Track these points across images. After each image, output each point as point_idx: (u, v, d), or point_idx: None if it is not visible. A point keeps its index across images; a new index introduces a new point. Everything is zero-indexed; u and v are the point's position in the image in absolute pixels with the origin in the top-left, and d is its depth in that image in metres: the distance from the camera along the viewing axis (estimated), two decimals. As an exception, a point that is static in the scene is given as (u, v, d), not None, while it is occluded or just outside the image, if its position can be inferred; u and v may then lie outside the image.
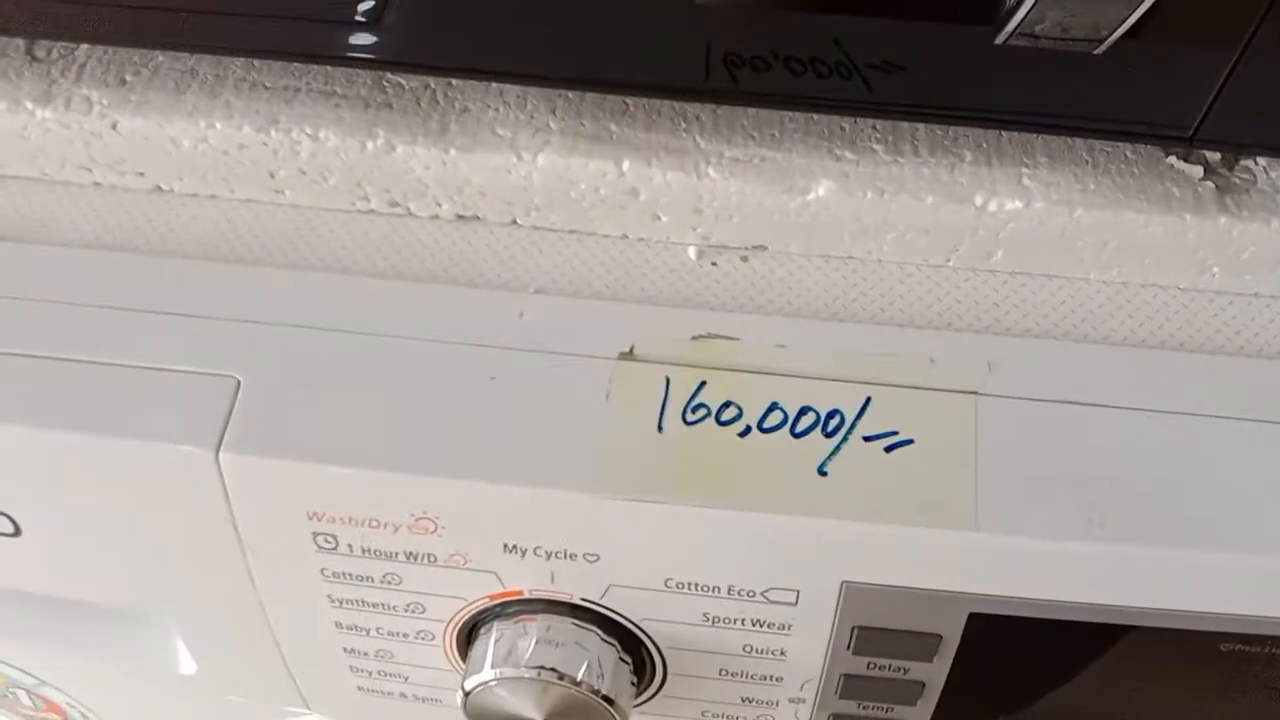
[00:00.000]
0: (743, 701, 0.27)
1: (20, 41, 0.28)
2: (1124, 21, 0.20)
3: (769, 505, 0.23)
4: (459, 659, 0.27)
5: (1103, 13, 0.20)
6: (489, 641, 0.25)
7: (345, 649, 0.28)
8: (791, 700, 0.27)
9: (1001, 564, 0.23)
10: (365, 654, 0.28)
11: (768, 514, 0.23)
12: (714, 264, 0.27)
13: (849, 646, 0.25)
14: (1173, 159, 0.26)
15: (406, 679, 0.28)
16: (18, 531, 0.26)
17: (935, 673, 0.25)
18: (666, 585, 0.24)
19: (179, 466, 0.24)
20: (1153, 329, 0.26)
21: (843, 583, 0.23)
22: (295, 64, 0.27)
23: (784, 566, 0.23)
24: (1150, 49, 0.22)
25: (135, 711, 0.37)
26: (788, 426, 0.24)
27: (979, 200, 0.25)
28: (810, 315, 0.26)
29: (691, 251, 0.27)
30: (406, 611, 0.26)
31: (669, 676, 0.26)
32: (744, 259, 0.27)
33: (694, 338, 0.25)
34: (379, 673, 0.28)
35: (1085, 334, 0.26)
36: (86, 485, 0.25)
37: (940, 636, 0.24)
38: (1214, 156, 0.26)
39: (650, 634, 0.25)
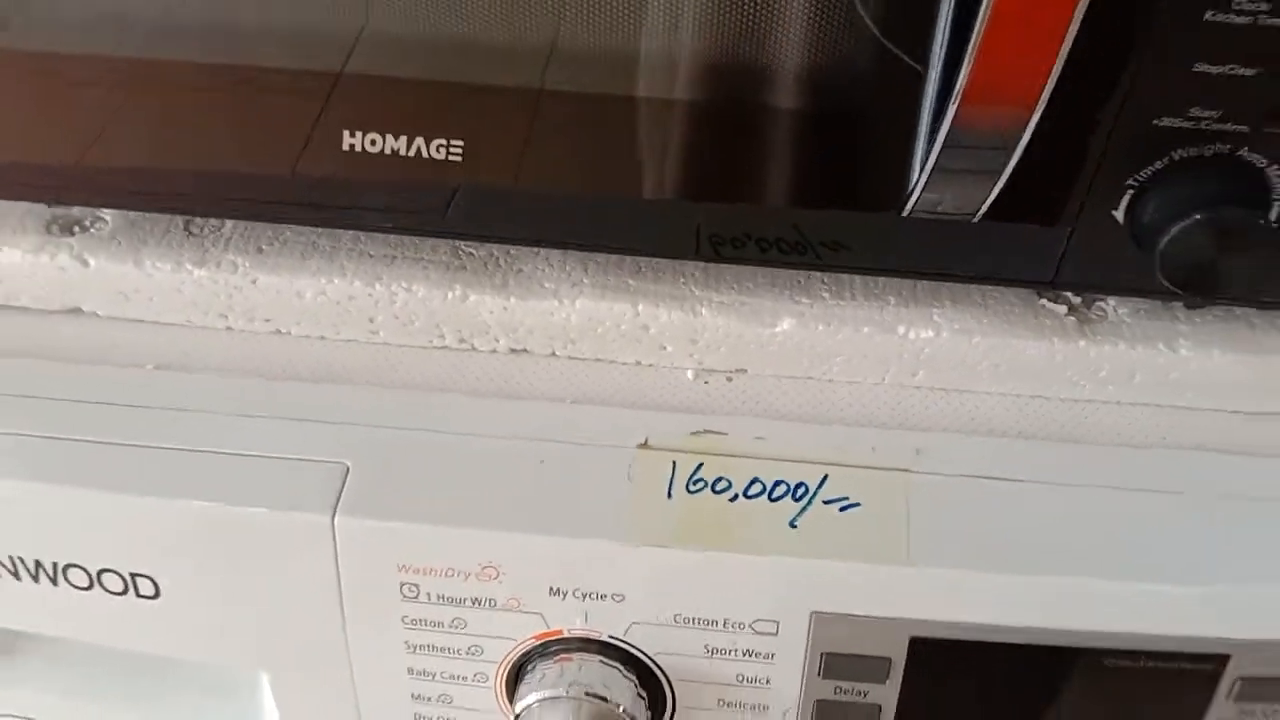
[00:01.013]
0: (736, 734, 0.33)
1: (180, 219, 0.37)
2: (985, 201, 0.30)
3: (752, 549, 0.30)
4: (506, 701, 0.33)
5: (971, 195, 0.30)
6: (534, 677, 0.32)
7: (413, 695, 0.34)
8: (777, 728, 0.33)
9: (931, 593, 0.30)
10: (429, 699, 0.34)
11: (751, 555, 0.30)
12: (706, 382, 0.35)
13: (819, 672, 0.31)
14: (1044, 300, 0.35)
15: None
16: (157, 594, 0.33)
17: (888, 695, 0.32)
18: (675, 620, 0.31)
19: (301, 531, 0.31)
20: (1039, 426, 0.34)
21: (812, 613, 0.30)
22: (392, 236, 0.36)
23: (766, 600, 0.30)
24: (1011, 221, 0.31)
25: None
26: (766, 494, 0.31)
27: (901, 331, 0.34)
28: (781, 418, 0.34)
29: (689, 373, 0.35)
30: (467, 654, 0.32)
31: (678, 709, 0.33)
32: (729, 379, 0.35)
33: (693, 433, 0.33)
34: (438, 718, 0.34)
35: (989, 430, 0.34)
36: (220, 552, 0.32)
37: (889, 659, 0.31)
38: (1075, 298, 0.35)
39: (664, 667, 0.32)
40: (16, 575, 0.33)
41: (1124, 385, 0.34)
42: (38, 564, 0.33)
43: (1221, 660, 0.30)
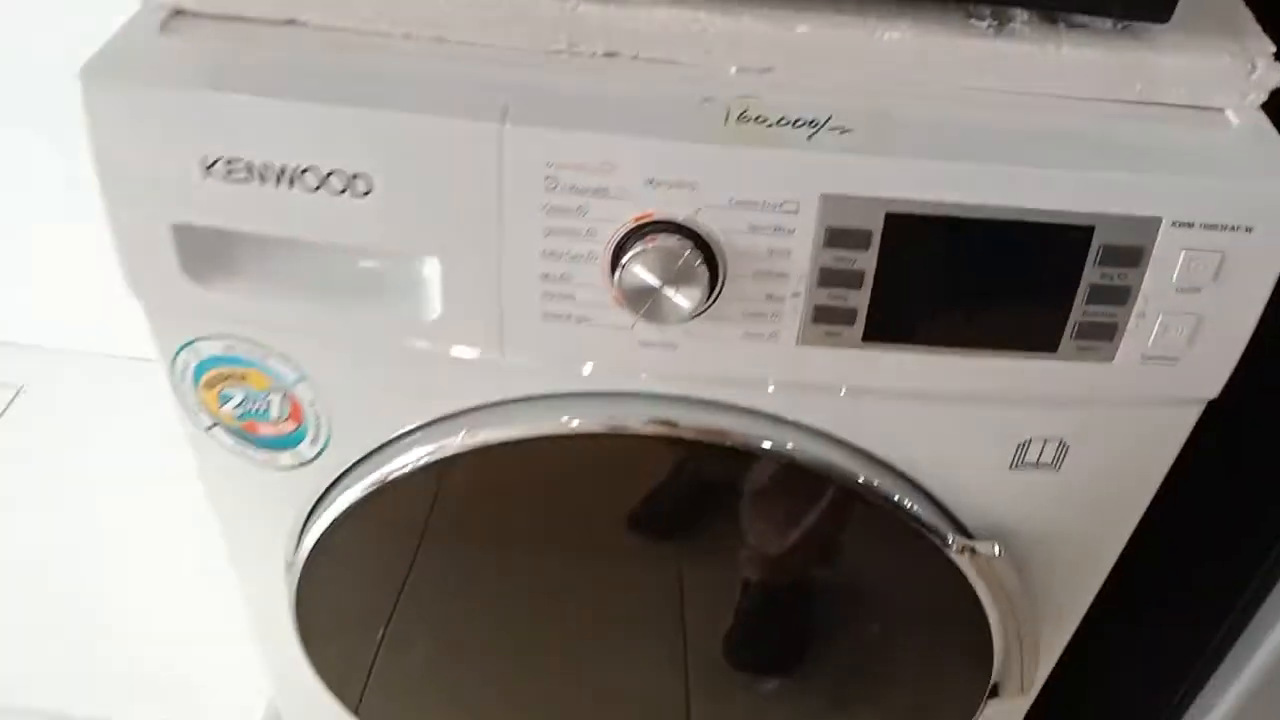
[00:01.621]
0: (766, 299, 0.48)
1: None
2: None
3: (783, 147, 0.45)
4: (609, 273, 0.48)
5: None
6: (631, 250, 0.47)
7: (542, 275, 0.48)
8: (792, 295, 0.48)
9: (901, 180, 0.45)
10: (553, 278, 0.48)
11: (783, 150, 0.45)
12: (745, 73, 0.50)
13: (824, 243, 0.46)
14: (971, 19, 0.50)
15: (574, 298, 0.49)
16: (369, 192, 0.47)
17: (869, 261, 0.47)
18: (730, 203, 0.46)
19: (480, 136, 0.45)
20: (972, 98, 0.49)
21: (821, 195, 0.46)
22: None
23: (791, 186, 0.45)
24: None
25: (362, 400, 0.56)
26: (790, 123, 0.46)
27: (878, 33, 0.49)
28: (799, 93, 0.49)
29: (733, 69, 0.50)
30: (585, 235, 0.47)
31: (727, 278, 0.48)
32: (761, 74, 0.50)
33: (739, 95, 0.48)
34: (559, 295, 0.49)
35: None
36: (419, 155, 0.46)
37: (870, 231, 0.46)
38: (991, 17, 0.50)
39: (720, 243, 0.47)
40: (264, 180, 0.47)
41: (1023, 75, 0.49)
42: (283, 168, 0.47)
43: (1089, 230, 0.46)
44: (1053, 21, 0.49)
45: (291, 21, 0.50)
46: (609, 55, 0.50)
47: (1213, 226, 0.46)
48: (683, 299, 0.47)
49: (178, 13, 0.50)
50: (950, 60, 0.49)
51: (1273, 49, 0.48)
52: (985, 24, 0.49)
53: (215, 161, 0.47)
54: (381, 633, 0.68)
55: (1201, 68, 0.48)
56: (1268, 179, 0.46)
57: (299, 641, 0.67)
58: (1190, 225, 0.46)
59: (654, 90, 0.48)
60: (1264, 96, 0.49)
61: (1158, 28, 0.48)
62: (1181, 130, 0.48)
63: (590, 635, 0.68)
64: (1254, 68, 0.48)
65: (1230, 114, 0.49)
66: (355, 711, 0.72)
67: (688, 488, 0.59)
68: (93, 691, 0.96)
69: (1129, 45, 0.49)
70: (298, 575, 0.63)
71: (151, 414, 1.26)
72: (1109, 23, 0.49)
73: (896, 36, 0.49)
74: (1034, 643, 0.60)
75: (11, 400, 1.24)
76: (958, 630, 0.60)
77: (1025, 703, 0.68)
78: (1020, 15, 0.49)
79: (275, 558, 0.65)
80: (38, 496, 1.13)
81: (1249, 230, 0.46)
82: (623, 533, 0.62)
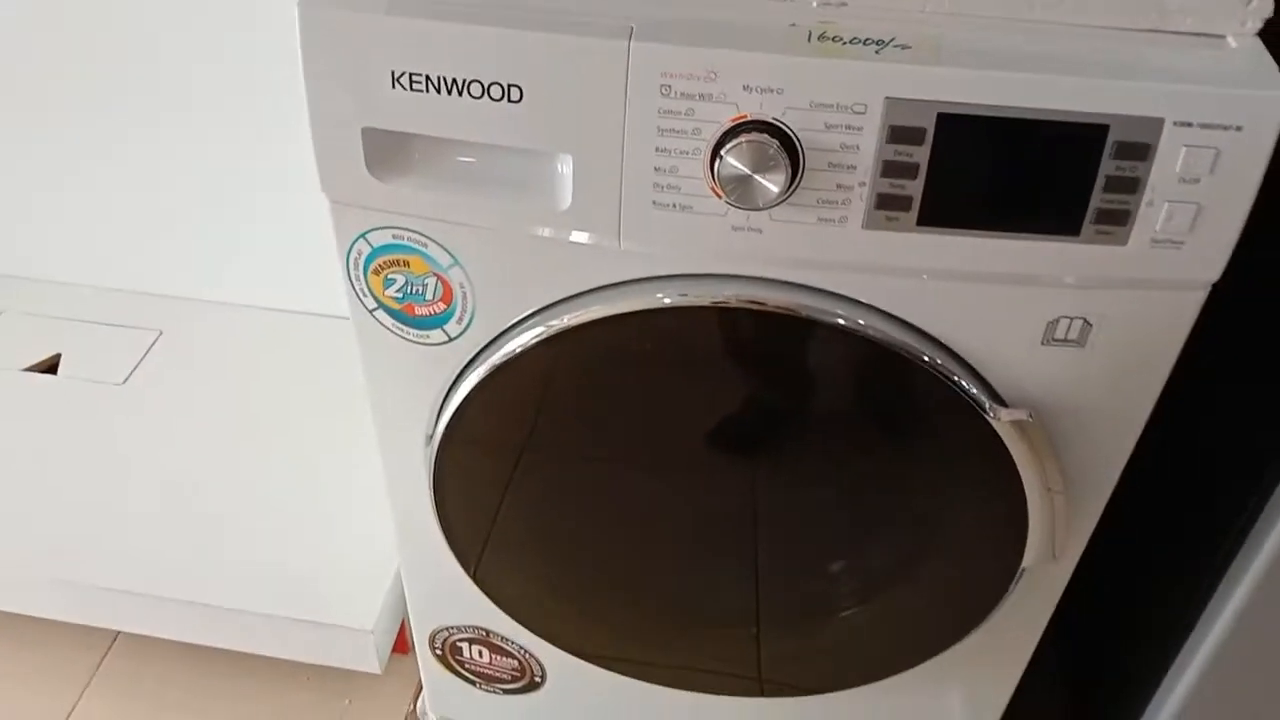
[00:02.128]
0: (837, 188, 0.59)
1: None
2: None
3: (857, 59, 0.56)
4: (709, 167, 0.59)
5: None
6: (729, 144, 0.58)
7: (655, 168, 0.60)
8: (859, 184, 0.59)
9: (952, 84, 0.56)
10: (664, 170, 0.60)
11: (855, 61, 0.56)
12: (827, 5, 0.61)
13: (887, 139, 0.57)
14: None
15: (680, 189, 0.60)
16: (521, 99, 0.59)
17: (924, 154, 0.57)
18: (810, 105, 0.57)
19: (609, 51, 0.57)
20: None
21: (885, 98, 0.56)
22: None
23: (861, 90, 0.56)
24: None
25: (501, 284, 0.67)
26: (860, 41, 0.57)
27: (937, -28, 0.60)
28: (869, 19, 0.60)
29: (815, 3, 0.61)
30: (691, 134, 0.59)
31: (805, 169, 0.59)
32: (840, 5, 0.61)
33: (820, 20, 0.59)
34: (667, 186, 0.60)
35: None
36: (562, 68, 0.58)
37: (925, 128, 0.57)
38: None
39: (802, 140, 0.58)
40: (438, 90, 0.60)
41: (1058, 7, 0.60)
42: (453, 80, 0.59)
43: (1104, 129, 0.56)
44: (1081, -37, 0.60)
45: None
46: (714, -4, 0.62)
47: (1209, 126, 0.56)
48: (770, 184, 0.58)
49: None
50: (993, -4, 0.59)
51: (1268, -17, 0.58)
52: (1023, -32, 0.60)
53: (401, 75, 0.59)
54: (500, 500, 0.80)
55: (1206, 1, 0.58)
56: (1255, 87, 0.56)
57: (432, 507, 0.80)
58: (1189, 125, 0.56)
59: (751, 17, 0.59)
60: (1259, 25, 0.58)
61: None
62: (1188, 50, 0.58)
63: (676, 505, 0.79)
64: (1250, 0, 0.58)
65: (1230, 39, 0.59)
66: (473, 575, 0.84)
67: (763, 369, 0.70)
68: (235, 583, 1.10)
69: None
70: (436, 446, 0.76)
71: (280, 355, 1.42)
72: (1129, -36, 0.59)
73: (949, -24, 0.59)
74: (1065, 508, 0.70)
75: (153, 343, 1.40)
76: (996, 496, 0.70)
77: (1061, 574, 0.78)
78: (1054, -41, 0.60)
79: (417, 431, 0.77)
80: (181, 419, 1.29)
81: (1239, 129, 0.55)
82: (710, 411, 0.73)
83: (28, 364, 1.36)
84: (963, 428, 0.67)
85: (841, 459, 0.74)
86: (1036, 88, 0.56)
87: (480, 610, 0.90)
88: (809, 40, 0.58)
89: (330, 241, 0.68)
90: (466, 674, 1.00)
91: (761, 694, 0.90)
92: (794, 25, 0.59)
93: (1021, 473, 0.68)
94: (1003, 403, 0.66)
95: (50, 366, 1.37)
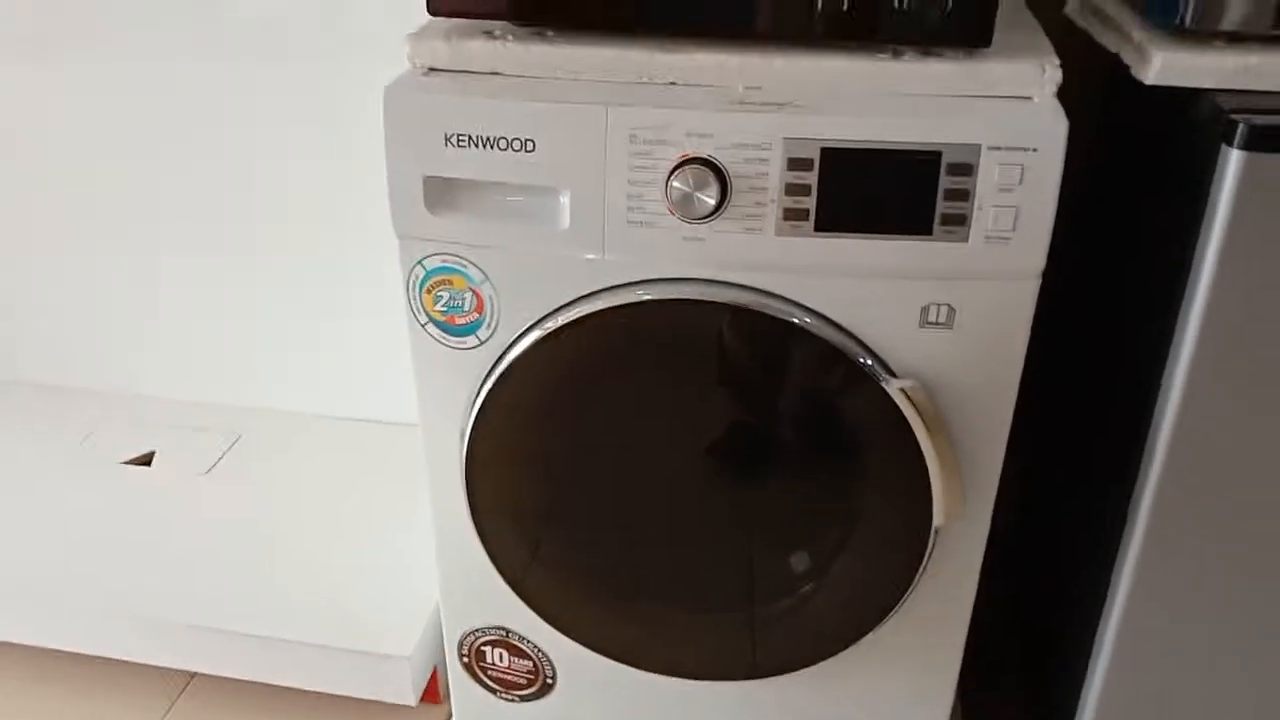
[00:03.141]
0: (755, 204, 0.83)
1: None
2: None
3: (764, 112, 0.81)
4: (665, 194, 0.83)
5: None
6: (675, 176, 0.82)
7: (628, 195, 0.84)
8: (771, 201, 0.82)
9: (832, 128, 0.80)
10: (634, 197, 0.84)
11: (762, 114, 0.81)
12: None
13: (787, 167, 0.81)
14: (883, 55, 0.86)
15: (645, 210, 0.84)
16: (534, 149, 0.84)
17: (814, 177, 0.81)
18: (733, 145, 0.81)
19: (593, 116, 0.83)
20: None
21: (784, 138, 0.81)
22: None
23: (767, 133, 0.81)
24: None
25: (529, 291, 0.91)
26: (770, 104, 0.82)
27: (824, 63, 0.85)
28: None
29: (740, 87, 0.87)
30: (651, 169, 0.83)
31: (732, 193, 0.82)
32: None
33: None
34: (636, 208, 0.84)
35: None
36: (561, 128, 0.84)
37: (813, 159, 0.81)
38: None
39: (728, 169, 0.82)
40: (478, 146, 0.85)
41: (910, 82, 0.85)
42: (489, 138, 0.85)
43: (939, 154, 0.80)
44: (925, 53, 0.85)
45: (495, 73, 0.90)
46: (670, 84, 0.88)
47: (1013, 148, 0.79)
48: (707, 198, 0.82)
49: (431, 70, 0.90)
50: (863, 74, 0.85)
51: (1058, 61, 0.83)
52: (886, 56, 0.86)
53: (452, 136, 0.85)
54: (521, 488, 0.99)
55: (1016, 71, 0.83)
56: (1043, 121, 0.79)
57: (464, 492, 0.99)
58: (999, 148, 0.79)
59: (694, 94, 0.85)
60: (1055, 88, 0.83)
61: (987, 50, 0.84)
62: (1006, 105, 0.82)
63: (657, 490, 0.99)
64: (1045, 70, 0.83)
65: (1035, 98, 0.83)
66: (495, 562, 1.03)
67: (711, 357, 0.91)
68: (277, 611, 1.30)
69: (973, 61, 0.84)
70: (469, 438, 0.97)
71: (336, 454, 1.67)
72: (960, 52, 0.85)
73: (834, 64, 0.85)
74: (958, 468, 0.89)
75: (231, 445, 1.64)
76: (901, 461, 0.89)
77: (977, 534, 0.95)
78: (906, 51, 0.86)
79: (455, 430, 0.98)
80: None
81: (1035, 150, 0.79)
82: (675, 402, 0.94)
83: (127, 458, 1.61)
84: (866, 397, 0.87)
85: (775, 438, 0.94)
86: (891, 127, 0.80)
87: (499, 607, 1.08)
88: (733, 105, 0.83)
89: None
90: (488, 681, 1.16)
91: (747, 677, 1.05)
92: (724, 97, 0.84)
93: (917, 434, 0.87)
94: (894, 375, 0.87)
95: (145, 460, 1.61)
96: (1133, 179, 0.96)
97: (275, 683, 1.32)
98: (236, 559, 1.40)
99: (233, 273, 1.60)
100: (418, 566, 1.38)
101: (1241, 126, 0.75)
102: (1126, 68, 0.87)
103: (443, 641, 1.35)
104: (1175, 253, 0.83)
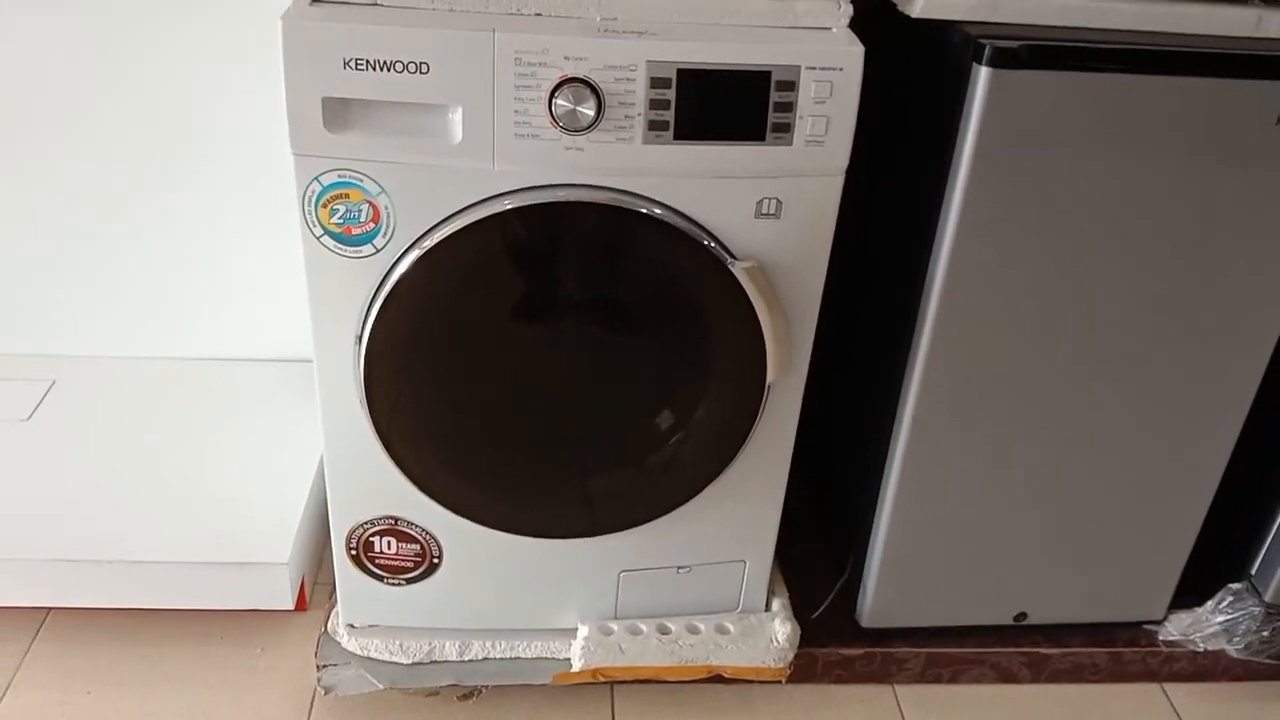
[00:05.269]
0: (625, 118, 0.98)
1: None
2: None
3: (626, 38, 0.97)
4: (549, 110, 0.97)
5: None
6: (560, 92, 0.96)
7: (515, 111, 0.97)
8: (638, 115, 0.98)
9: (683, 51, 0.97)
10: (520, 113, 0.97)
11: (625, 40, 0.97)
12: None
13: (650, 86, 0.98)
14: None
15: (530, 124, 0.98)
16: (429, 71, 0.96)
17: (672, 94, 0.98)
18: (605, 67, 0.97)
19: (481, 42, 0.95)
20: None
21: (646, 60, 0.97)
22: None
23: (631, 56, 0.97)
24: None
25: (413, 204, 1.02)
26: (630, 32, 0.98)
27: None
28: (631, 25, 1.01)
29: (598, 17, 1.02)
30: (535, 89, 0.97)
31: (605, 108, 0.98)
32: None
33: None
34: (523, 123, 0.98)
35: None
36: (453, 52, 0.95)
37: (671, 78, 0.98)
38: None
39: (602, 88, 0.97)
40: (374, 69, 0.95)
41: (726, 12, 1.04)
42: (384, 61, 0.95)
43: (769, 74, 0.99)
44: (747, -8, 1.04)
45: (375, 3, 0.99)
46: (538, 15, 1.01)
47: (825, 69, 1.00)
48: (586, 110, 0.97)
49: (314, 2, 0.99)
50: (697, 8, 1.02)
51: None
52: (716, -6, 1.04)
53: (350, 60, 0.95)
54: (413, 382, 1.11)
55: (819, 7, 1.04)
56: (845, 46, 1.00)
57: (361, 396, 1.10)
58: (815, 68, 1.00)
59: (564, 24, 0.99)
60: (848, 20, 1.04)
61: (794, -7, 1.04)
62: (811, 34, 1.03)
63: (538, 370, 1.14)
64: (840, 6, 1.04)
65: (834, 29, 1.04)
66: (390, 452, 1.14)
67: (587, 250, 1.07)
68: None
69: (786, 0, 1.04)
70: (365, 342, 1.07)
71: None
72: (773, -8, 1.04)
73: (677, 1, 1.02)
74: (786, 333, 1.10)
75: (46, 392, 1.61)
76: (742, 329, 1.09)
77: (795, 389, 1.17)
78: (732, -10, 1.04)
79: (348, 334, 1.08)
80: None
81: (841, 69, 1.00)
82: (560, 280, 1.09)
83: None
84: (714, 276, 1.06)
85: (637, 316, 1.11)
86: (732, 52, 0.99)
87: (391, 498, 1.19)
88: (599, 33, 0.98)
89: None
90: (376, 569, 1.27)
91: (594, 533, 1.22)
92: (588, 25, 0.99)
93: (756, 308, 1.07)
94: (736, 258, 1.06)
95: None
96: (904, 96, 1.20)
97: (157, 606, 1.36)
98: (83, 495, 1.41)
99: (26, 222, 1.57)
100: (272, 486, 1.45)
101: (988, 48, 1.00)
102: (894, 5, 1.09)
103: (308, 553, 1.44)
104: (940, 151, 1.07)
